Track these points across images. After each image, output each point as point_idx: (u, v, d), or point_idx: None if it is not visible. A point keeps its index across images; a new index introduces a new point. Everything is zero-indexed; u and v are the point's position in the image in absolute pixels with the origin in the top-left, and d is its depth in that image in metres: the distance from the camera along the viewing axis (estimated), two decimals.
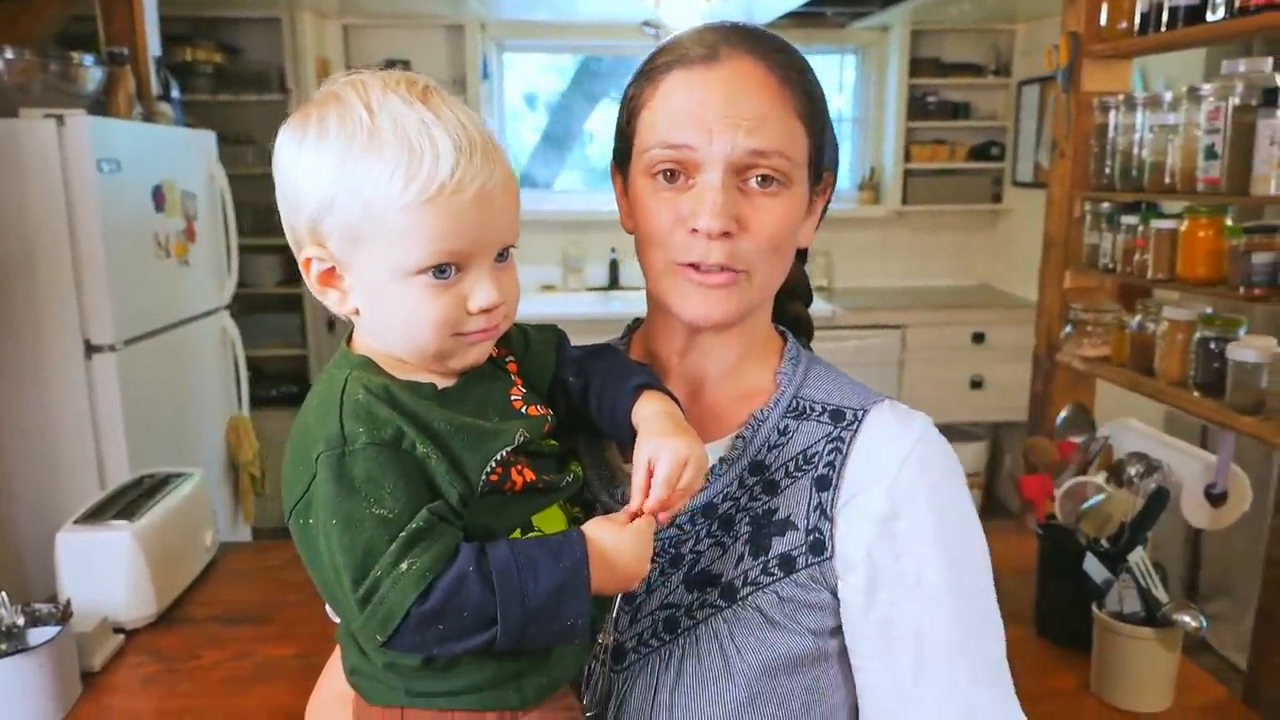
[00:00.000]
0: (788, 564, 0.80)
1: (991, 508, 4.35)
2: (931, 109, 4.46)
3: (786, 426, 0.84)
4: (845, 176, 4.85)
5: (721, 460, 0.84)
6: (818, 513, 0.80)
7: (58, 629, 1.42)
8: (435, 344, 0.71)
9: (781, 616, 0.79)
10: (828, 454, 0.82)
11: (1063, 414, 1.88)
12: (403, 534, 0.65)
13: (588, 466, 0.87)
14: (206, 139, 2.94)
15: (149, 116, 2.75)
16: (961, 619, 0.79)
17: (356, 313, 0.72)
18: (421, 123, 0.67)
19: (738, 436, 0.85)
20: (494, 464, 0.70)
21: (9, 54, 2.29)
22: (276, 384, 4.28)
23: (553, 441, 0.79)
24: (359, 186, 0.66)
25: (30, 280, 2.25)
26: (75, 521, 1.70)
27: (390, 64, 4.33)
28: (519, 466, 0.73)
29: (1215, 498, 1.68)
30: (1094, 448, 1.72)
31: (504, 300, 0.72)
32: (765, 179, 0.79)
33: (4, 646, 1.37)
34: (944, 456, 0.83)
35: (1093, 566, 1.52)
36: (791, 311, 0.96)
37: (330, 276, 0.71)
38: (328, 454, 0.66)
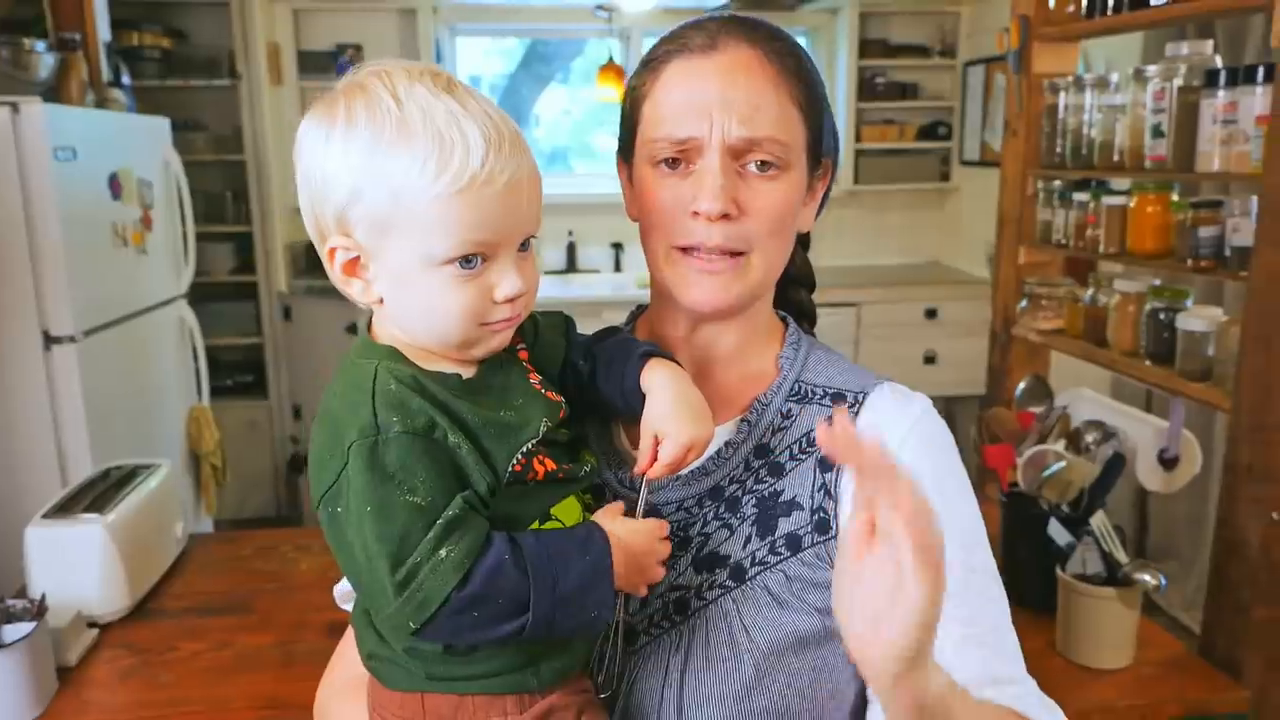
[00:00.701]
0: (794, 543, 0.82)
1: None
2: (880, 90, 4.53)
3: (790, 410, 0.87)
4: None
5: (727, 444, 0.86)
6: (822, 492, 0.83)
7: (33, 625, 1.41)
8: (461, 333, 0.72)
9: (789, 595, 0.81)
10: None
11: (1021, 385, 1.95)
12: (440, 521, 0.66)
13: (595, 451, 0.88)
14: (160, 125, 2.89)
15: (101, 103, 2.69)
16: (966, 592, 0.80)
17: (380, 302, 0.73)
18: (450, 114, 0.67)
19: (742, 420, 0.87)
20: (520, 455, 0.72)
21: None
22: (232, 373, 4.23)
23: (565, 430, 0.81)
24: (389, 177, 0.67)
25: None
26: (44, 515, 1.68)
27: (341, 49, 4.28)
28: (540, 456, 0.74)
29: (1168, 462, 1.76)
30: (1052, 417, 1.79)
31: (528, 289, 0.73)
32: (763, 164, 0.81)
33: None
34: (942, 435, 0.86)
35: (1056, 531, 1.58)
36: (794, 298, 0.99)
37: (354, 266, 0.72)
38: (361, 443, 0.67)
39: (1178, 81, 1.63)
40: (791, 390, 0.88)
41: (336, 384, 0.73)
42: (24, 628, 1.41)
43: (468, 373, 0.74)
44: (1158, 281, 1.78)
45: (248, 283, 4.19)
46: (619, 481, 0.88)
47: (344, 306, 3.98)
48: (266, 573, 1.90)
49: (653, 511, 0.85)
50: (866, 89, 4.52)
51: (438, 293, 0.70)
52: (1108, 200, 1.80)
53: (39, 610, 1.44)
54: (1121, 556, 1.52)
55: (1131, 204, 1.75)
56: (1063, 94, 1.94)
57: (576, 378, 0.84)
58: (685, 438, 0.75)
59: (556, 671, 0.75)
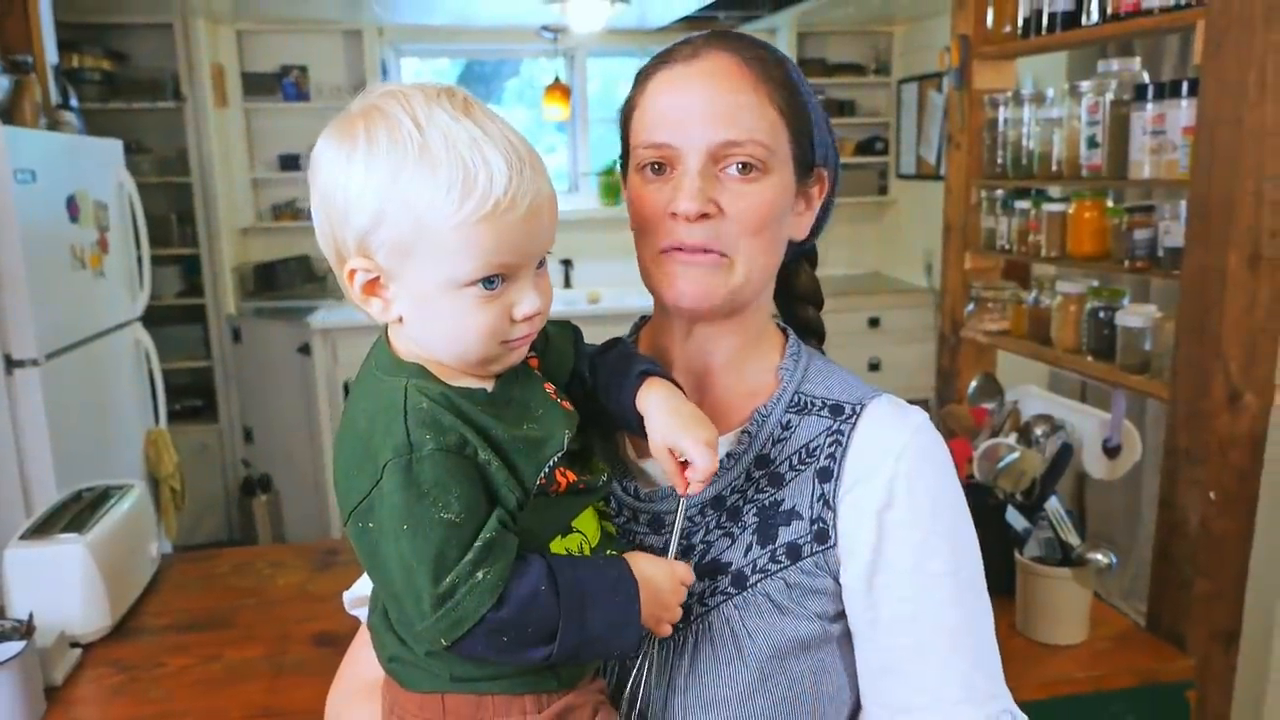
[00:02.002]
0: (794, 552, 0.83)
1: None
2: None
3: (789, 421, 0.88)
4: None
5: (729, 455, 0.88)
6: (821, 503, 0.84)
7: (22, 644, 1.40)
8: (482, 352, 0.73)
9: (789, 602, 0.82)
10: (829, 446, 0.85)
11: (974, 384, 2.06)
12: (478, 543, 0.67)
13: (602, 460, 0.89)
14: (113, 147, 2.86)
15: (53, 125, 2.66)
16: (959, 602, 0.82)
17: (400, 321, 0.73)
18: (472, 140, 0.68)
19: (743, 432, 0.89)
20: (548, 469, 0.73)
21: None
22: (181, 397, 4.16)
23: (575, 440, 0.82)
24: (413, 203, 0.67)
25: None
26: (21, 536, 1.67)
27: (286, 69, 4.28)
28: (562, 468, 0.75)
29: (1111, 450, 1.88)
30: (1004, 413, 1.90)
31: (545, 306, 0.74)
32: (744, 166, 0.83)
33: None
34: (938, 448, 0.88)
35: (1014, 517, 1.69)
36: (801, 315, 1.01)
37: (374, 286, 0.72)
38: (396, 461, 0.67)
39: (1110, 96, 1.75)
40: (791, 401, 0.89)
41: (363, 401, 0.74)
42: (13, 647, 1.40)
43: (489, 387, 0.75)
44: (1096, 283, 1.91)
45: (195, 305, 4.15)
46: (624, 490, 0.89)
47: (294, 326, 3.98)
48: (244, 589, 1.90)
49: (655, 522, 0.88)
50: None
51: (460, 313, 0.71)
52: (1048, 207, 1.92)
53: (27, 629, 1.44)
54: (1074, 539, 1.63)
55: (1070, 210, 1.88)
56: (1002, 108, 2.06)
57: (581, 389, 0.86)
58: (703, 439, 0.77)
59: (575, 674, 0.78)
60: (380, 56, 4.36)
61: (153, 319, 3.65)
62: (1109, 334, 1.81)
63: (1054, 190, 2.04)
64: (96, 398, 2.62)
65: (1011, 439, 1.84)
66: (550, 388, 0.81)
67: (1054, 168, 1.92)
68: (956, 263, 2.26)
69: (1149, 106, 1.67)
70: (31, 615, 1.47)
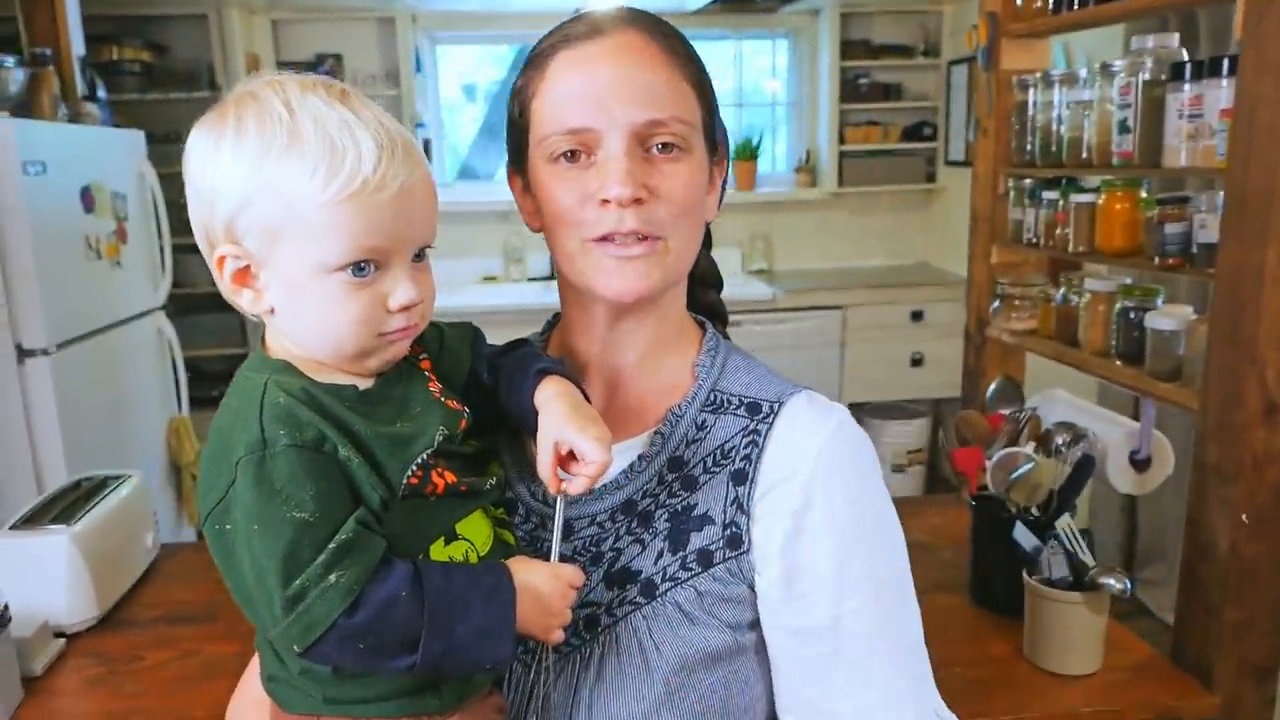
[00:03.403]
0: (705, 559, 0.81)
1: (934, 482, 4.45)
2: (864, 91, 4.52)
3: (704, 421, 0.85)
4: (782, 160, 4.91)
5: (640, 457, 0.84)
6: (734, 507, 0.81)
7: None
8: (355, 343, 0.71)
9: (699, 611, 0.80)
10: (744, 448, 0.82)
11: (992, 387, 1.94)
12: (332, 545, 0.65)
13: (507, 463, 0.87)
14: (135, 138, 2.89)
15: (75, 117, 2.69)
16: (878, 608, 0.80)
17: (271, 312, 0.72)
18: (343, 121, 0.67)
19: (656, 433, 0.85)
20: (415, 466, 0.71)
21: None
22: (217, 384, 4.20)
23: (472, 441, 0.79)
24: (280, 183, 0.67)
25: None
26: (11, 527, 1.67)
27: (321, 59, 4.28)
28: (440, 469, 0.73)
29: (1139, 463, 1.75)
30: (1022, 419, 1.78)
31: (422, 299, 0.73)
32: (666, 145, 0.79)
33: None
34: (858, 448, 0.84)
35: (1022, 534, 1.57)
36: (704, 299, 0.97)
37: (245, 275, 0.71)
38: (248, 458, 0.66)
39: (1144, 75, 1.62)
40: (707, 400, 0.86)
41: (229, 399, 0.72)
42: None
43: (364, 384, 0.74)
44: (1129, 280, 1.77)
45: None
46: (532, 495, 0.86)
47: None
48: None
49: (566, 528, 0.83)
50: (849, 91, 4.52)
51: (330, 301, 0.69)
52: (1076, 198, 1.80)
53: (2, 620, 1.43)
54: (1088, 560, 1.51)
55: (1100, 201, 1.75)
56: (1032, 90, 1.93)
57: (480, 391, 0.83)
58: (594, 434, 0.73)
59: (460, 693, 0.74)
60: (414, 43, 4.34)
61: (188, 307, 3.69)
62: (1139, 336, 1.68)
63: (1091, 180, 1.91)
64: (113, 386, 2.64)
65: (1029, 448, 1.73)
66: (436, 386, 0.77)
67: (1084, 155, 1.79)
68: (983, 256, 2.14)
69: (1186, 87, 1.53)
70: (6, 606, 1.47)
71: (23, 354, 2.24)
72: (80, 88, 2.82)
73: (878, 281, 4.37)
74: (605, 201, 0.78)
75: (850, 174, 4.61)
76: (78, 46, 2.85)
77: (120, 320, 2.69)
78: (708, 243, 0.98)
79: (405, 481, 0.70)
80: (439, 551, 0.73)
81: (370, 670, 0.69)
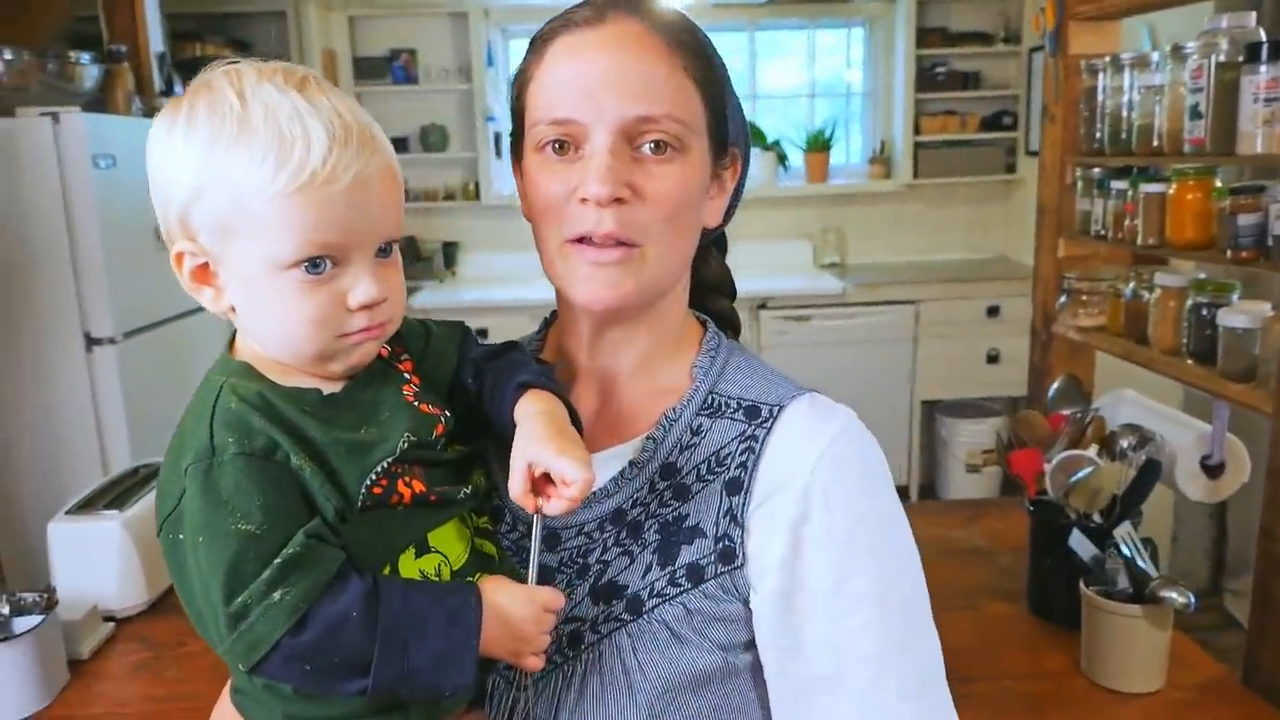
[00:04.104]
0: (695, 574, 0.75)
1: (1010, 484, 4.29)
2: (941, 80, 4.38)
3: (700, 425, 0.80)
4: (856, 151, 4.79)
5: (631, 464, 0.79)
6: (728, 519, 0.76)
7: (41, 617, 1.44)
8: (314, 345, 0.68)
9: (688, 630, 0.75)
10: (740, 454, 0.77)
11: (1054, 386, 1.84)
12: (278, 560, 0.62)
13: (495, 470, 0.82)
14: None
15: (150, 113, 2.77)
16: (885, 629, 0.74)
17: (233, 310, 0.70)
18: (295, 110, 0.64)
19: (648, 438, 0.80)
20: (375, 475, 0.67)
21: (7, 55, 2.32)
22: None
23: (458, 447, 0.76)
24: (228, 175, 0.64)
25: (31, 276, 2.29)
26: (67, 512, 1.72)
27: (395, 53, 4.34)
28: (407, 478, 0.69)
29: (1211, 469, 1.64)
30: (1084, 420, 1.68)
31: (386, 297, 0.69)
32: (658, 145, 0.75)
33: None
34: (863, 453, 0.78)
35: (1079, 542, 1.49)
36: (715, 306, 0.92)
37: (204, 273, 0.69)
38: (195, 465, 0.64)
39: (1218, 57, 1.51)
40: (704, 403, 0.81)
41: (191, 400, 0.70)
42: (32, 620, 1.44)
43: (329, 388, 0.70)
44: (1203, 275, 1.66)
45: None
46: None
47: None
48: None
49: (552, 538, 0.79)
50: (925, 79, 4.38)
51: (285, 299, 0.66)
52: (1146, 188, 1.69)
53: (49, 603, 1.48)
54: (1150, 570, 1.42)
55: (1170, 191, 1.64)
56: (1101, 75, 1.83)
57: (464, 395, 0.79)
58: (570, 454, 0.69)
59: (430, 714, 0.70)
60: (486, 37, 4.37)
61: None
62: (1211, 335, 1.57)
63: (1163, 169, 1.79)
64: (178, 375, 2.71)
65: (1092, 451, 1.63)
66: (410, 390, 0.73)
67: (1155, 142, 1.68)
68: (1049, 249, 2.03)
69: (1262, 69, 1.42)
70: (53, 589, 1.51)
71: (91, 342, 2.32)
72: (158, 83, 2.91)
73: (953, 276, 4.23)
74: (584, 200, 0.74)
75: (926, 165, 4.47)
76: (156, 43, 2.94)
77: (185, 311, 2.76)
78: (722, 248, 0.93)
79: (367, 490, 0.67)
80: (408, 565, 0.69)
81: (324, 693, 0.66)
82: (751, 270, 4.36)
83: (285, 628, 0.61)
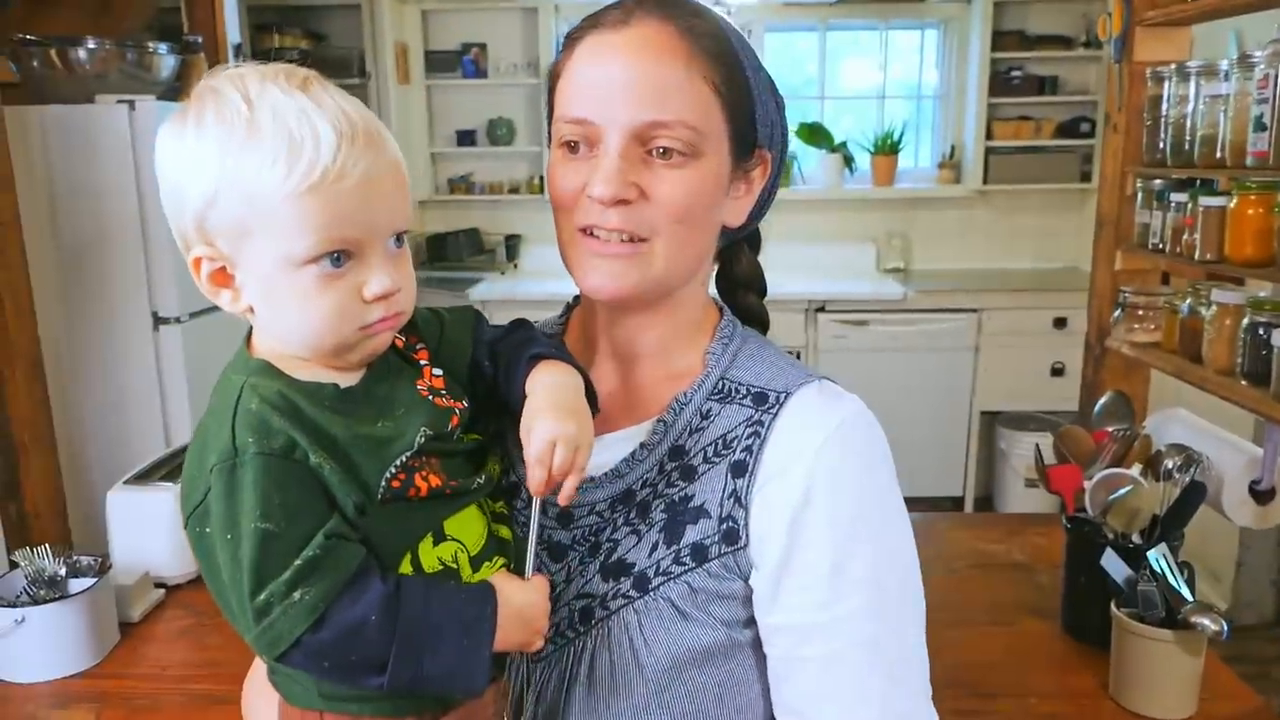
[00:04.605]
0: (699, 553, 0.78)
1: None
2: (1016, 84, 4.29)
3: (709, 410, 0.82)
4: (925, 155, 4.71)
5: (642, 445, 0.82)
6: (732, 500, 0.78)
7: (95, 580, 1.51)
8: (335, 337, 0.70)
9: (692, 608, 0.77)
10: (746, 438, 0.80)
11: (1100, 402, 1.79)
12: (298, 561, 0.64)
13: (511, 445, 0.85)
14: None
15: None
16: (879, 613, 0.76)
17: (250, 311, 0.71)
18: (301, 111, 0.66)
19: (659, 420, 0.83)
20: (394, 469, 0.69)
21: (90, 44, 2.43)
22: None
23: (473, 435, 0.78)
24: (240, 179, 0.66)
25: (105, 257, 2.39)
26: (125, 481, 1.80)
27: (466, 47, 4.41)
28: (424, 472, 0.71)
29: (1261, 494, 1.58)
30: (1128, 438, 1.64)
31: (400, 287, 0.70)
32: (666, 150, 0.77)
33: (45, 594, 1.47)
34: (869, 440, 0.80)
35: (1111, 562, 1.45)
36: (743, 303, 0.94)
37: (222, 275, 0.70)
38: (220, 466, 0.66)
39: None
40: (715, 388, 0.83)
41: (212, 398, 0.72)
42: (87, 582, 1.52)
43: (347, 381, 0.72)
44: (1265, 292, 1.60)
45: None
46: None
47: (455, 297, 4.12)
48: None
49: (565, 516, 0.82)
50: (999, 84, 4.29)
51: (304, 295, 0.68)
52: (1205, 201, 1.64)
53: (102, 567, 1.55)
54: (1185, 595, 1.37)
55: (1231, 205, 1.58)
56: (1166, 84, 1.77)
57: (483, 379, 0.81)
58: (559, 433, 0.71)
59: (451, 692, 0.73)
60: (555, 33, 4.41)
61: None
62: (1266, 355, 1.51)
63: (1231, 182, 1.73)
64: None
65: (1135, 470, 1.59)
66: (424, 384, 0.76)
67: (1218, 154, 1.63)
68: (1106, 262, 1.98)
69: None
70: (107, 554, 1.59)
71: (158, 321, 2.41)
72: None
73: (1019, 285, 4.13)
74: (592, 197, 0.77)
75: (997, 171, 4.37)
76: (233, 35, 3.04)
77: None
78: (755, 245, 0.95)
79: (385, 484, 0.69)
80: (427, 553, 0.72)
81: (344, 685, 0.69)
82: (812, 273, 4.33)
83: (305, 626, 0.64)
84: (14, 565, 1.50)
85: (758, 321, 0.94)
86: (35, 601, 1.44)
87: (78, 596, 1.47)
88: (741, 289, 0.94)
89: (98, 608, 1.51)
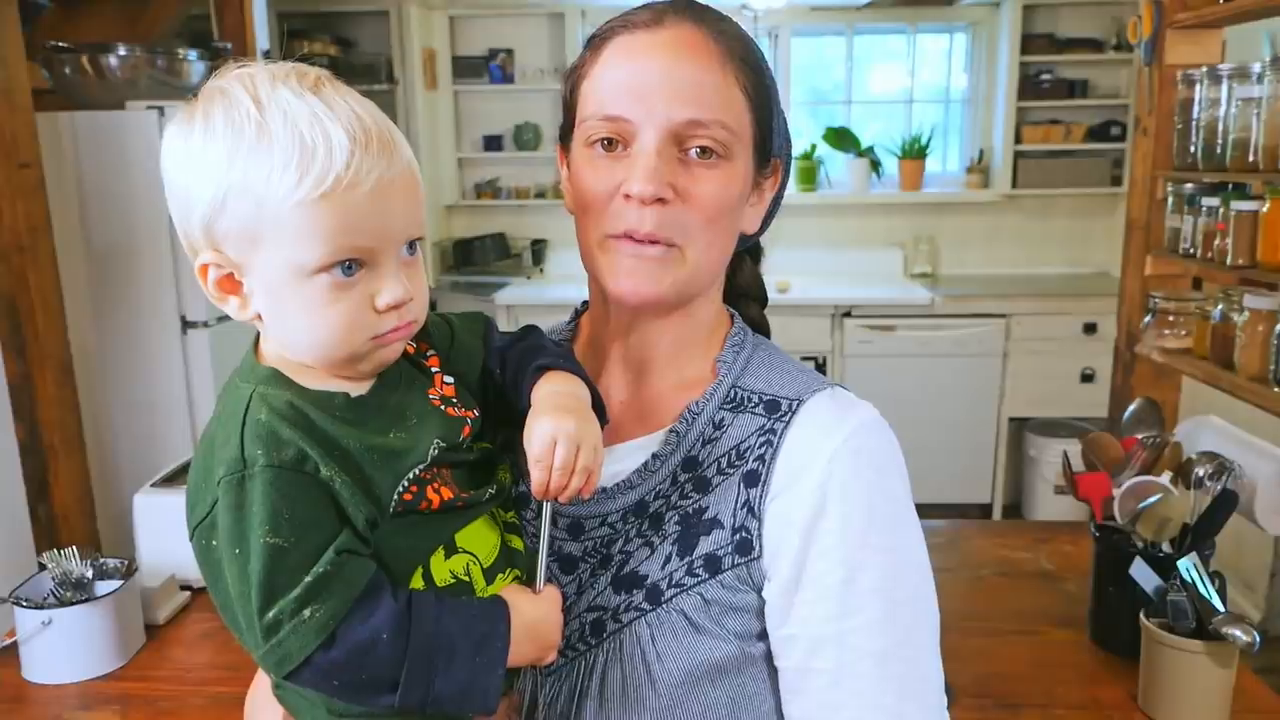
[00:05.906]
0: (713, 565, 0.77)
1: None
2: (1045, 87, 4.24)
3: (722, 419, 0.81)
4: (953, 159, 4.67)
5: (654, 456, 0.81)
6: (745, 510, 0.77)
7: (121, 583, 1.53)
8: (345, 347, 0.68)
9: (706, 620, 0.76)
10: (759, 448, 0.78)
11: (1130, 408, 1.77)
12: (308, 578, 0.62)
13: (521, 463, 0.82)
14: None
15: None
16: (891, 625, 0.74)
17: (259, 318, 0.69)
18: (313, 114, 0.63)
19: (671, 430, 0.81)
20: (407, 482, 0.67)
21: (121, 51, 2.46)
22: None
23: (482, 444, 0.77)
24: (250, 184, 0.63)
25: (135, 261, 2.41)
26: (152, 484, 1.82)
27: (494, 53, 4.43)
28: (436, 484, 0.70)
29: None
30: (1157, 444, 1.61)
31: (413, 296, 0.68)
32: (704, 150, 0.76)
33: (72, 596, 1.49)
34: (881, 450, 0.78)
35: (1141, 571, 1.42)
36: (746, 313, 0.93)
37: (230, 282, 0.68)
38: (228, 478, 0.64)
39: None
40: (727, 397, 0.82)
41: (219, 406, 0.70)
42: (114, 585, 1.53)
43: (357, 390, 0.70)
44: None
45: None
46: None
47: (481, 301, 4.14)
48: None
49: (576, 528, 0.81)
50: (1029, 87, 4.24)
51: (314, 305, 0.66)
52: (1237, 205, 1.61)
53: (128, 570, 1.57)
54: (1216, 606, 1.35)
55: (1264, 210, 1.56)
56: (1198, 87, 1.75)
57: (494, 385, 0.80)
58: (547, 434, 0.70)
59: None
60: (581, 38, 4.42)
61: None
62: None
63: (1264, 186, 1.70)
64: None
65: (1165, 478, 1.56)
66: (436, 393, 0.74)
67: (1250, 158, 1.60)
68: (1136, 267, 1.95)
69: None
70: (134, 557, 1.60)
71: (186, 325, 2.43)
72: None
73: (1048, 291, 4.09)
74: (628, 196, 0.76)
75: (1026, 176, 4.33)
76: (262, 41, 3.07)
77: None
78: (756, 256, 0.94)
79: (398, 497, 0.67)
80: (439, 566, 0.70)
81: (354, 704, 0.67)
82: (838, 278, 4.30)
83: (315, 645, 0.62)
84: (42, 567, 1.51)
85: (759, 330, 0.93)
86: (62, 603, 1.45)
87: (104, 599, 1.48)
88: (743, 299, 0.93)
89: (124, 610, 1.52)
